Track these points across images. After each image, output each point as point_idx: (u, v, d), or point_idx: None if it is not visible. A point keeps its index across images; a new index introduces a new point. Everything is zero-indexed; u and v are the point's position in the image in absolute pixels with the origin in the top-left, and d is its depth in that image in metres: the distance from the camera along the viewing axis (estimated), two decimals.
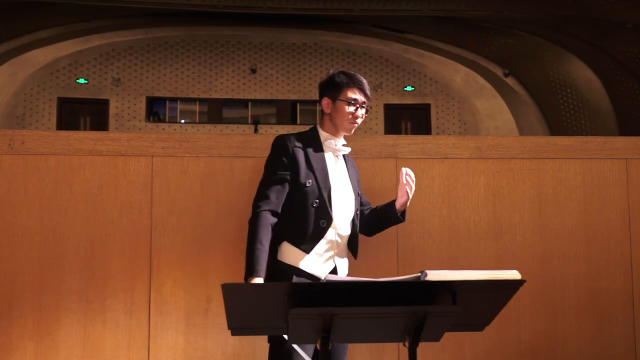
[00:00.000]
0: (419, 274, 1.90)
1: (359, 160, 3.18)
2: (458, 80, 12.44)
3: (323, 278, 2.60)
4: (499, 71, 12.21)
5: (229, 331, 2.03)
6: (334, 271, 2.64)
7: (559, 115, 11.76)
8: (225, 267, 3.09)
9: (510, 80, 12.28)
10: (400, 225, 2.87)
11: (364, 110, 2.69)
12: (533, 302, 3.20)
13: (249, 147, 3.18)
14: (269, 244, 2.55)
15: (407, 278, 1.94)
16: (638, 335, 3.24)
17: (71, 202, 3.10)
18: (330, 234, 2.63)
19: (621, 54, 10.02)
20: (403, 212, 2.74)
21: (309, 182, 2.61)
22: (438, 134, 12.35)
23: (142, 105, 12.23)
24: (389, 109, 12.47)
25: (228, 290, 1.86)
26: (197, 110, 12.58)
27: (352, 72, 2.72)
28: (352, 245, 2.75)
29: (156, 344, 3.07)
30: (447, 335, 2.11)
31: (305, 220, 2.61)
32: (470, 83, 12.45)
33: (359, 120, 2.69)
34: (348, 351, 2.72)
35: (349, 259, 2.77)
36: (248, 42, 12.46)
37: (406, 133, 12.30)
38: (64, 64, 11.95)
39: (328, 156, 2.70)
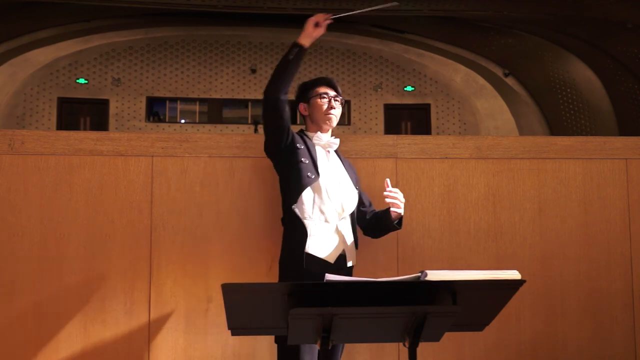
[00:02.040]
0: (419, 274, 1.90)
1: (359, 160, 3.18)
2: (458, 80, 12.44)
3: (332, 262, 2.69)
4: (499, 71, 12.21)
5: (229, 331, 2.03)
6: (342, 259, 2.72)
7: (559, 115, 11.76)
8: (225, 267, 3.09)
9: (510, 80, 12.28)
10: None
11: (337, 103, 2.88)
12: (533, 302, 3.20)
13: (249, 147, 3.18)
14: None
15: (407, 278, 1.94)
16: (638, 335, 3.24)
17: (71, 202, 3.10)
18: (333, 219, 2.72)
19: (621, 54, 10.01)
20: (399, 221, 2.80)
21: (304, 160, 2.76)
22: (438, 134, 12.35)
23: (142, 105, 12.24)
24: (389, 109, 12.47)
25: (228, 290, 1.86)
26: (197, 110, 12.58)
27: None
28: (355, 234, 2.83)
29: (156, 344, 3.07)
30: (447, 335, 2.11)
31: (295, 175, 2.74)
32: (470, 83, 12.45)
33: (335, 112, 2.87)
34: (348, 351, 2.73)
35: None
36: (248, 42, 12.47)
37: (406, 133, 12.30)
38: (64, 64, 11.95)
39: (319, 149, 2.85)
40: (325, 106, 2.86)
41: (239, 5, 10.29)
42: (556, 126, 11.85)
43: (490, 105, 12.49)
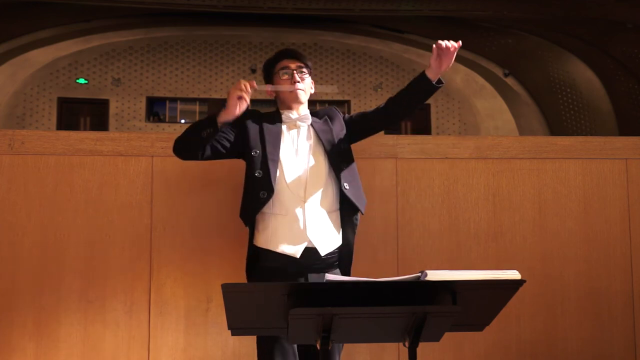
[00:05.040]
0: (419, 274, 1.90)
1: (358, 160, 3.17)
2: (458, 80, 12.44)
3: (298, 256, 2.50)
4: (499, 71, 12.21)
5: (229, 331, 2.03)
6: (313, 250, 2.51)
7: (559, 115, 11.76)
8: (225, 267, 3.09)
9: (510, 80, 12.28)
10: (400, 225, 2.86)
11: (302, 74, 2.65)
12: (533, 302, 3.20)
13: None
14: None
15: (407, 278, 1.93)
16: (638, 335, 3.24)
17: (71, 202, 3.10)
18: (292, 211, 2.52)
19: (621, 54, 10.01)
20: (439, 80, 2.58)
21: (255, 152, 2.59)
22: (438, 134, 12.35)
23: (142, 105, 12.23)
24: None
25: (228, 290, 1.86)
26: (197, 110, 12.57)
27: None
28: (340, 215, 2.60)
29: (156, 344, 3.07)
30: (447, 335, 2.11)
31: (247, 191, 2.60)
32: (470, 83, 12.44)
33: (301, 85, 2.63)
34: (348, 351, 2.72)
35: (345, 237, 2.62)
36: (248, 42, 12.46)
37: (406, 133, 12.30)
38: (64, 64, 11.95)
39: (287, 130, 2.65)
40: (289, 81, 2.62)
41: (239, 5, 10.29)
42: (556, 126, 11.85)
43: (490, 105, 12.48)
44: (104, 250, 3.08)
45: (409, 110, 2.68)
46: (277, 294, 1.86)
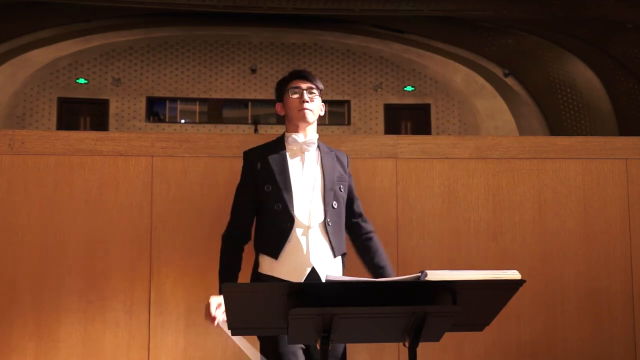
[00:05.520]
0: (419, 274, 1.90)
1: (358, 160, 3.18)
2: (458, 80, 12.45)
3: (302, 281, 2.51)
4: (499, 71, 12.23)
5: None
6: (314, 274, 2.53)
7: (559, 115, 11.77)
8: None
9: (510, 80, 12.30)
10: (400, 225, 2.86)
11: (312, 95, 2.64)
12: (533, 302, 3.20)
13: (248, 147, 3.17)
14: (237, 266, 2.59)
15: (407, 278, 1.93)
16: (638, 335, 3.24)
17: (71, 202, 3.10)
18: (296, 236, 2.54)
19: (621, 54, 10.02)
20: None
21: (268, 187, 2.58)
22: (438, 134, 12.35)
23: (142, 105, 12.25)
24: (389, 109, 12.48)
25: (228, 290, 1.86)
26: (197, 110, 12.59)
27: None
28: (333, 243, 2.60)
29: (156, 344, 3.07)
30: (447, 335, 2.11)
31: (270, 226, 2.58)
32: (470, 83, 12.46)
33: (309, 105, 2.62)
34: (348, 351, 2.71)
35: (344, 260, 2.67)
36: (248, 42, 12.47)
37: (406, 133, 12.31)
38: (64, 64, 11.96)
39: (291, 155, 2.64)
40: (298, 101, 2.62)
41: (239, 5, 10.31)
42: (556, 126, 11.86)
43: (490, 105, 12.50)
44: (104, 250, 3.08)
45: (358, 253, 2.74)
46: (277, 294, 1.86)
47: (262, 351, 2.55)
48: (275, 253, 2.55)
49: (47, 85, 11.92)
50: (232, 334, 2.04)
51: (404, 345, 1.98)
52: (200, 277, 3.10)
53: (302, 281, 2.51)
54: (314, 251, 2.55)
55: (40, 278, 3.05)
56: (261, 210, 2.61)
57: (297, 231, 2.54)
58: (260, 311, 1.93)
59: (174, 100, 12.48)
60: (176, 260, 3.10)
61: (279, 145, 2.67)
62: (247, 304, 1.90)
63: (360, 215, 2.74)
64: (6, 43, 11.09)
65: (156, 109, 12.50)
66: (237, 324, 1.97)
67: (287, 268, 2.53)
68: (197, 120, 12.51)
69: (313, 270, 2.53)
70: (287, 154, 2.63)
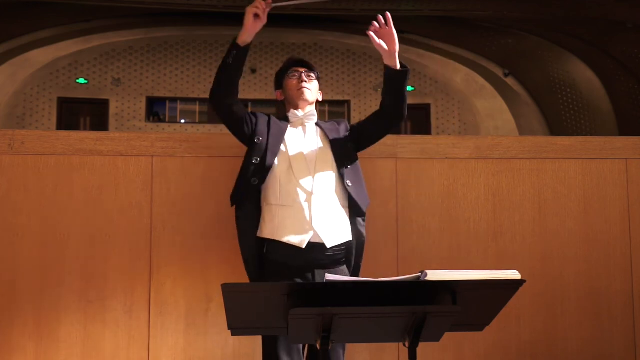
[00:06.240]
0: (419, 274, 1.90)
1: (358, 160, 3.17)
2: (458, 80, 12.44)
3: (304, 246, 2.54)
4: (499, 71, 12.22)
5: (229, 331, 2.03)
6: (319, 245, 2.56)
7: (559, 115, 11.76)
8: (225, 267, 3.09)
9: (510, 80, 12.29)
10: (400, 225, 2.86)
11: (310, 78, 2.77)
12: (533, 302, 3.20)
13: None
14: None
15: (407, 278, 1.93)
16: (638, 335, 3.24)
17: (71, 202, 3.10)
18: (299, 201, 2.58)
19: (621, 54, 10.02)
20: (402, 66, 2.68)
21: (259, 139, 2.68)
22: (438, 134, 12.35)
23: (142, 105, 12.24)
24: None
25: (228, 290, 1.86)
26: (197, 110, 12.59)
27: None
28: (358, 201, 2.67)
29: (156, 344, 3.07)
30: (447, 335, 2.11)
31: (241, 176, 2.68)
32: (470, 83, 12.45)
33: (307, 85, 2.75)
34: (348, 351, 2.72)
35: (355, 231, 2.67)
36: None
37: (406, 133, 12.30)
38: (64, 64, 11.95)
39: (293, 126, 2.75)
40: (296, 82, 2.76)
41: (239, 5, 10.28)
42: (556, 126, 11.86)
43: (490, 105, 12.49)
44: (104, 250, 3.08)
45: (396, 106, 2.71)
46: (277, 294, 1.86)
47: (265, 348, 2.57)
48: (233, 201, 2.66)
49: (47, 85, 11.91)
50: (232, 334, 2.04)
51: (404, 345, 1.98)
52: (200, 277, 3.10)
53: (304, 247, 2.56)
54: (317, 217, 2.58)
55: (40, 278, 3.05)
56: (243, 163, 2.70)
57: (300, 197, 2.59)
58: (261, 311, 1.93)
59: (174, 100, 12.47)
60: (176, 260, 3.10)
61: (283, 118, 2.79)
62: (247, 304, 1.90)
63: (372, 113, 2.80)
64: (6, 43, 11.08)
65: (156, 109, 12.49)
66: (237, 324, 1.97)
67: (288, 232, 2.57)
68: (197, 120, 12.51)
69: (317, 241, 2.57)
70: (289, 125, 2.75)
